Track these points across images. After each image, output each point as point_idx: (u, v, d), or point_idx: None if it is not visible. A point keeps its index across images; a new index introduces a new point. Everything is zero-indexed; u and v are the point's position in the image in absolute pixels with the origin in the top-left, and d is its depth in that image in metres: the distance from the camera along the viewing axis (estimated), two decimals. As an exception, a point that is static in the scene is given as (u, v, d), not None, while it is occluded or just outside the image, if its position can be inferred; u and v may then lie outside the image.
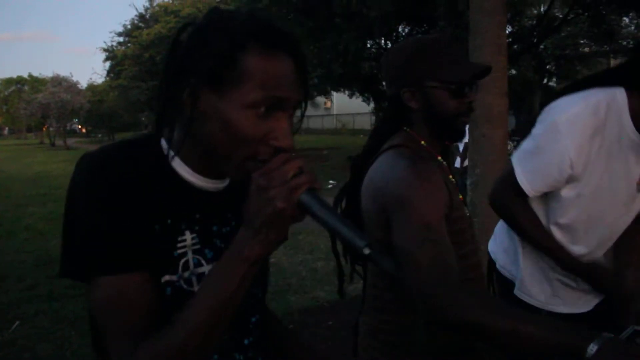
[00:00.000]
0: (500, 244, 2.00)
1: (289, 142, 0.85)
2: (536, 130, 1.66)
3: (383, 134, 1.53)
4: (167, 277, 0.89)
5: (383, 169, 1.39)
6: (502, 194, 1.77)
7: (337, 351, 3.64)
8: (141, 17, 32.90)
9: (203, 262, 0.94)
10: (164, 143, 0.93)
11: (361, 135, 33.04)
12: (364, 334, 1.53)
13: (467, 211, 1.48)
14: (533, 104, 26.35)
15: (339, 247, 1.44)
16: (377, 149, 1.50)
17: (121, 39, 33.52)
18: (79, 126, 64.61)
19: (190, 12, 26.52)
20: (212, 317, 0.81)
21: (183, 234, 0.92)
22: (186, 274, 0.92)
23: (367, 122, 33.28)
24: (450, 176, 1.48)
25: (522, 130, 19.99)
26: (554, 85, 28.13)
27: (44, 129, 49.93)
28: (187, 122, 0.87)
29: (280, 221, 0.79)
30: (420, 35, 17.58)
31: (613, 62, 21.77)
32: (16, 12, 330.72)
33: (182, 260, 0.92)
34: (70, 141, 42.83)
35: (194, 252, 0.93)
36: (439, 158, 1.50)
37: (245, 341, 1.03)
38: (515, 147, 10.36)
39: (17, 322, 4.54)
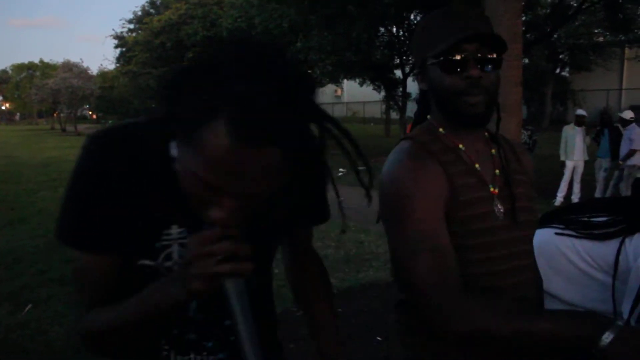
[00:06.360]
0: None
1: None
2: None
3: (415, 124, 1.39)
4: (145, 262, 0.96)
5: (384, 167, 1.26)
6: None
7: (347, 338, 3.66)
8: (152, 3, 32.89)
9: None
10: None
11: (372, 124, 32.94)
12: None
13: (499, 208, 1.24)
14: (545, 95, 26.11)
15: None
16: None
17: (131, 26, 33.59)
18: (90, 112, 64.90)
19: (200, -2, 26.43)
20: (134, 321, 0.90)
21: (169, 227, 0.95)
22: (169, 263, 0.96)
23: (377, 111, 33.11)
24: (478, 166, 1.27)
25: (534, 120, 19.80)
26: (567, 75, 27.80)
27: (54, 114, 50.09)
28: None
29: (197, 293, 0.82)
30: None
31: (628, 52, 21.47)
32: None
33: (167, 251, 0.96)
34: (81, 127, 43.00)
35: (182, 244, 0.96)
36: (461, 146, 1.26)
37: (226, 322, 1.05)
38: (529, 136, 10.17)
39: (29, 305, 4.57)
